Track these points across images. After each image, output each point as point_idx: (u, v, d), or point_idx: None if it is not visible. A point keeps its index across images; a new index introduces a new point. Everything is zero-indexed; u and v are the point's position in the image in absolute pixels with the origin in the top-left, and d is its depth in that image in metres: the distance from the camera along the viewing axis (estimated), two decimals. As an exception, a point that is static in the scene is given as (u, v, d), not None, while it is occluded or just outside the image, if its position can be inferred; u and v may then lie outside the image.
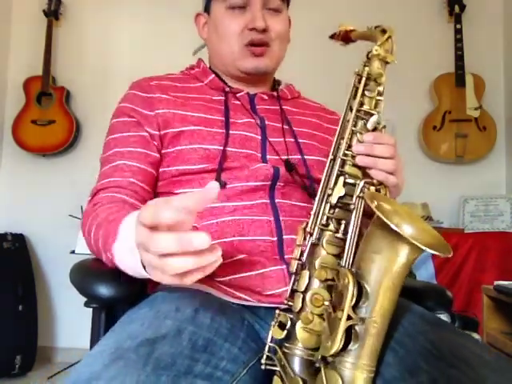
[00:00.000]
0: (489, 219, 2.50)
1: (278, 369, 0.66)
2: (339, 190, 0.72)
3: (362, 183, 0.72)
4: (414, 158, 2.69)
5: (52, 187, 2.79)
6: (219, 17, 0.96)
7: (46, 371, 2.50)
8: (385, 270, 0.61)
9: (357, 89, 0.77)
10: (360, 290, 0.61)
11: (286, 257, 0.81)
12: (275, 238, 0.83)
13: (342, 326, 0.59)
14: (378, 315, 0.60)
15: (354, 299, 0.60)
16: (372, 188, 0.73)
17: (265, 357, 0.67)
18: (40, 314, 2.64)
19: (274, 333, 0.68)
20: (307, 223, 0.73)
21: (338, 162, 0.74)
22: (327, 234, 0.71)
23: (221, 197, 0.84)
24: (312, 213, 0.73)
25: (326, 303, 0.65)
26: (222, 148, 0.87)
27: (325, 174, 0.75)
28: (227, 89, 0.97)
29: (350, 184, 0.73)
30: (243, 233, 0.82)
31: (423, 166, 2.69)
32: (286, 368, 0.65)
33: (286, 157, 0.91)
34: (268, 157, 0.90)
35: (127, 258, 0.66)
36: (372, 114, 0.76)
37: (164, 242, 0.51)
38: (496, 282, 1.88)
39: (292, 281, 0.71)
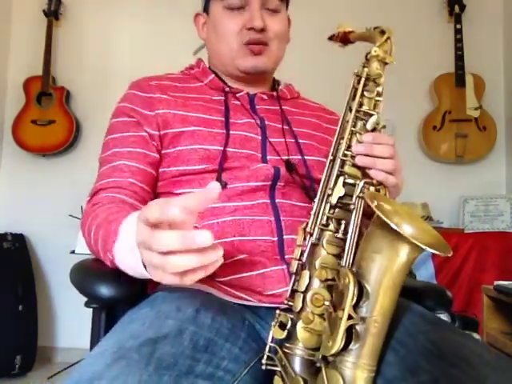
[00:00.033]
0: (489, 219, 2.50)
1: (278, 369, 0.66)
2: (339, 190, 0.72)
3: (361, 183, 0.72)
4: (414, 158, 2.69)
5: (52, 187, 2.79)
6: (218, 17, 0.96)
7: (45, 371, 2.50)
8: (385, 269, 0.61)
9: (356, 89, 0.78)
10: (360, 289, 0.61)
11: (286, 257, 0.81)
12: (276, 238, 0.83)
13: (343, 325, 0.59)
14: (378, 314, 0.61)
15: (355, 299, 0.60)
16: (372, 188, 0.73)
17: (265, 357, 0.67)
18: (40, 314, 2.64)
19: (275, 333, 0.68)
20: (307, 223, 0.73)
21: (338, 162, 0.74)
22: (327, 234, 0.71)
23: (221, 197, 0.84)
24: (312, 213, 0.73)
25: (327, 303, 0.65)
26: (222, 148, 0.87)
27: (324, 174, 0.75)
28: (227, 89, 0.97)
29: (350, 184, 0.73)
30: (244, 233, 0.82)
31: (423, 166, 2.69)
32: (287, 368, 0.65)
33: (286, 157, 0.91)
34: (268, 157, 0.90)
35: (128, 257, 0.66)
36: (371, 115, 0.76)
37: (166, 239, 0.50)
38: (496, 282, 1.88)
39: (292, 281, 0.72)
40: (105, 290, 0.76)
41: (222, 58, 0.98)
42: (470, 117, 2.57)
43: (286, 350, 0.67)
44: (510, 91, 2.68)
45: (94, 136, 2.63)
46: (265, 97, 0.99)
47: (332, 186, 0.73)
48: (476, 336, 1.83)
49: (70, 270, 0.85)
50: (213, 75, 0.99)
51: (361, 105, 0.77)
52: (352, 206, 0.71)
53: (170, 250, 0.51)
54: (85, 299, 0.81)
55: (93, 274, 0.81)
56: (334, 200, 0.72)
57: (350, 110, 0.77)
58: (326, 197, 0.73)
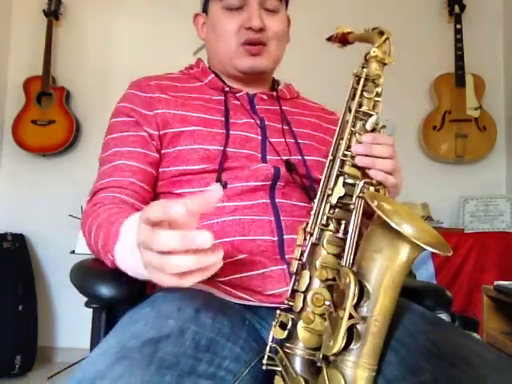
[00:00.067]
0: (489, 219, 2.50)
1: (279, 369, 0.66)
2: (339, 190, 0.72)
3: (361, 183, 0.72)
4: (414, 158, 2.69)
5: (52, 187, 2.79)
6: (216, 17, 0.96)
7: (45, 371, 2.50)
8: (385, 268, 0.61)
9: (355, 90, 0.78)
10: (361, 289, 0.61)
11: (286, 256, 0.81)
12: (276, 238, 0.83)
13: (344, 325, 0.59)
14: (379, 314, 0.61)
15: (356, 298, 0.60)
16: (371, 188, 0.73)
17: (266, 357, 0.67)
18: (40, 314, 2.64)
19: (276, 333, 0.68)
20: (307, 223, 0.73)
21: (338, 162, 0.74)
22: (327, 233, 0.72)
23: (221, 197, 0.84)
24: (312, 213, 0.73)
25: (327, 303, 0.65)
26: (222, 148, 0.87)
27: (324, 174, 0.75)
28: (227, 89, 0.97)
29: (350, 184, 0.73)
30: (244, 233, 0.82)
31: (423, 166, 2.69)
32: (288, 368, 0.65)
33: (286, 157, 0.91)
34: (268, 157, 0.90)
35: (128, 258, 0.66)
36: (371, 115, 0.76)
37: (166, 239, 0.50)
38: (496, 282, 1.88)
39: (292, 281, 0.72)
40: (105, 290, 0.76)
41: (221, 58, 0.98)
42: (470, 117, 2.57)
43: (286, 350, 0.67)
44: (510, 91, 2.68)
45: (94, 136, 2.63)
46: (264, 97, 0.99)
47: (332, 186, 0.73)
48: (476, 336, 1.83)
49: (70, 270, 0.85)
50: (212, 75, 0.99)
51: (360, 105, 0.77)
52: (352, 206, 0.71)
53: (170, 250, 0.51)
54: (85, 299, 0.81)
55: (93, 274, 0.81)
56: (333, 200, 0.72)
57: (350, 111, 0.77)
58: (325, 197, 0.73)
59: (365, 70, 0.78)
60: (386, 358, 0.64)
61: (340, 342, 0.59)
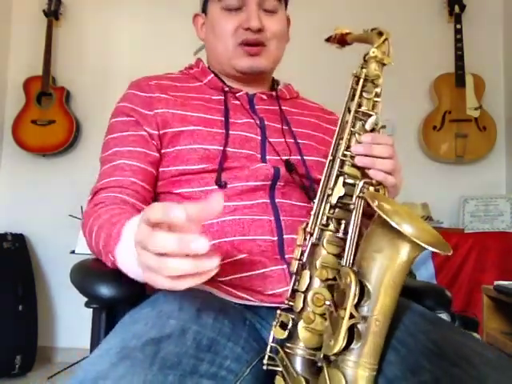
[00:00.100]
0: (489, 219, 2.50)
1: (280, 369, 0.66)
2: (339, 190, 0.72)
3: (361, 183, 0.72)
4: (414, 158, 2.69)
5: (52, 187, 2.79)
6: (215, 17, 0.96)
7: (46, 371, 2.50)
8: (386, 268, 0.61)
9: (355, 90, 0.78)
10: (362, 288, 0.61)
11: (286, 256, 0.81)
12: (276, 238, 0.83)
13: (345, 324, 0.59)
14: (379, 313, 0.61)
15: (357, 298, 0.60)
16: (371, 188, 0.73)
17: (267, 357, 0.67)
18: (40, 314, 2.64)
19: (276, 333, 0.68)
20: (307, 223, 0.73)
21: (337, 162, 0.74)
22: (327, 233, 0.72)
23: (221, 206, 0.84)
24: (312, 213, 0.73)
25: (328, 302, 0.65)
26: (221, 148, 0.87)
27: (324, 174, 0.75)
28: (226, 88, 0.97)
29: (350, 184, 0.73)
30: (244, 232, 0.82)
31: (423, 166, 2.69)
32: (289, 368, 0.65)
33: (286, 157, 0.91)
34: (267, 157, 0.90)
35: (129, 259, 0.66)
36: (370, 115, 0.76)
37: (163, 241, 0.50)
38: (496, 282, 1.88)
39: (293, 281, 0.72)
40: (105, 290, 0.76)
41: (219, 58, 0.98)
42: (470, 117, 2.57)
43: (287, 350, 0.67)
44: (510, 91, 2.68)
45: (94, 136, 2.63)
46: (264, 97, 0.99)
47: (332, 185, 0.73)
48: (476, 336, 1.83)
49: (70, 270, 0.85)
50: (212, 75, 0.99)
51: (359, 105, 0.77)
52: (352, 206, 0.71)
53: (166, 252, 0.51)
54: (85, 299, 0.81)
55: (93, 274, 0.81)
56: (333, 200, 0.72)
57: (349, 111, 0.78)
58: (325, 197, 0.73)
59: (364, 70, 0.78)
60: (387, 358, 0.65)
61: (341, 341, 0.59)
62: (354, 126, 0.76)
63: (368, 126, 0.76)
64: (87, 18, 2.90)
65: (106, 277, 0.77)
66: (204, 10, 1.01)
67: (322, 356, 0.63)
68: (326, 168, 0.76)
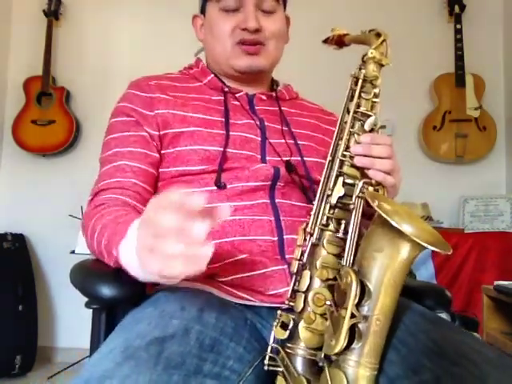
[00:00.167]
0: (489, 219, 2.50)
1: (281, 369, 0.66)
2: (338, 191, 0.72)
3: (361, 183, 0.72)
4: (414, 158, 2.69)
5: (52, 187, 2.79)
6: (213, 18, 0.96)
7: (45, 371, 2.50)
8: (386, 267, 0.61)
9: (353, 91, 0.79)
10: (362, 288, 0.61)
11: (287, 256, 0.81)
12: (276, 238, 0.83)
13: (346, 324, 0.59)
14: (380, 313, 0.61)
15: (357, 297, 0.60)
16: (370, 188, 0.73)
17: (267, 358, 0.67)
18: (40, 314, 2.64)
19: (277, 333, 0.69)
20: (307, 223, 0.73)
21: (337, 162, 0.75)
22: (327, 233, 0.72)
23: (221, 197, 0.85)
24: (312, 213, 0.73)
25: (328, 302, 0.65)
26: (222, 149, 0.87)
27: (324, 174, 0.75)
28: (226, 89, 0.97)
29: (349, 184, 0.74)
30: (244, 233, 0.82)
31: (423, 166, 2.69)
32: (290, 368, 0.65)
33: (286, 158, 0.91)
34: (267, 158, 0.90)
35: (133, 256, 0.65)
36: (369, 116, 0.77)
37: (170, 217, 0.52)
38: (496, 282, 1.88)
39: (293, 281, 0.72)
40: (106, 291, 0.76)
41: (218, 59, 0.98)
42: (470, 117, 2.57)
43: (287, 350, 0.67)
44: (510, 91, 2.68)
45: (94, 136, 2.63)
46: (264, 97, 0.99)
47: (331, 186, 0.73)
48: (476, 336, 1.83)
49: (70, 270, 0.85)
50: (212, 75, 0.99)
51: (358, 106, 0.78)
52: (352, 206, 0.71)
53: (168, 228, 0.52)
54: (85, 299, 0.81)
55: (94, 274, 0.81)
56: (333, 200, 0.72)
57: (348, 112, 0.78)
58: (325, 197, 0.73)
59: (362, 71, 0.78)
60: (388, 357, 0.65)
61: (342, 341, 0.59)
62: (353, 127, 0.77)
63: (367, 127, 0.76)
64: (87, 17, 2.90)
65: (106, 277, 0.77)
66: (203, 11, 1.01)
67: (323, 356, 0.63)
68: (325, 168, 0.76)
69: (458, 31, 2.65)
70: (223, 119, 0.92)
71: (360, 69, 0.79)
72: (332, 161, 0.76)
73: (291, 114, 1.01)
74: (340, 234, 0.71)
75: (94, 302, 0.81)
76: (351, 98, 0.78)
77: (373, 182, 0.74)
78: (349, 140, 0.76)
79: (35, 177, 2.81)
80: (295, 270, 0.72)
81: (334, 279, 0.68)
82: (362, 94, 0.78)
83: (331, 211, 0.72)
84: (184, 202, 0.52)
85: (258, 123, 0.94)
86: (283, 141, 0.94)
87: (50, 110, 2.74)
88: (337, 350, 0.59)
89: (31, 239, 2.76)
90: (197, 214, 0.53)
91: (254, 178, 0.87)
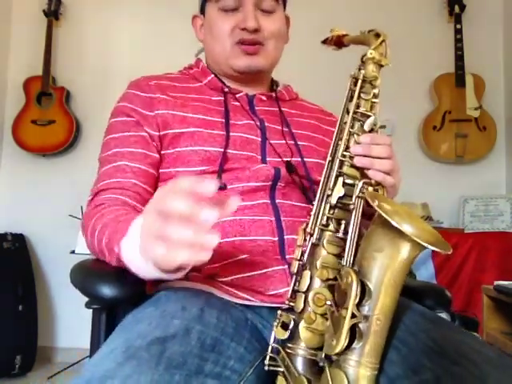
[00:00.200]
0: (489, 219, 2.50)
1: (281, 369, 0.66)
2: (338, 191, 0.73)
3: (360, 184, 0.72)
4: (414, 158, 2.69)
5: (52, 187, 2.79)
6: (213, 18, 0.96)
7: (45, 371, 2.50)
8: (386, 267, 0.62)
9: (353, 91, 0.79)
10: (363, 288, 0.61)
11: (287, 257, 0.81)
12: (276, 238, 0.83)
13: (347, 324, 0.59)
14: (380, 313, 0.61)
15: (358, 297, 0.60)
16: (370, 188, 0.73)
17: (268, 358, 0.67)
18: (40, 314, 2.64)
19: (277, 333, 0.69)
20: (307, 224, 0.73)
21: (337, 162, 0.75)
22: (327, 234, 0.72)
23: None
24: (312, 213, 0.74)
25: (329, 302, 0.66)
26: (222, 150, 0.87)
27: (324, 174, 0.76)
28: (226, 89, 0.97)
29: (349, 184, 0.74)
30: (245, 233, 0.82)
31: (423, 166, 2.69)
32: (290, 368, 0.65)
33: (286, 159, 0.91)
34: (268, 159, 0.91)
35: (135, 252, 0.65)
36: (368, 116, 0.77)
37: (178, 202, 0.52)
38: (496, 282, 1.88)
39: (293, 281, 0.72)
40: (107, 291, 0.75)
41: (217, 59, 0.98)
42: (470, 117, 2.57)
43: (288, 351, 0.67)
44: (510, 91, 2.68)
45: (94, 136, 2.63)
46: (263, 98, 0.99)
47: (331, 186, 0.73)
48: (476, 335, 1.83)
49: (70, 270, 0.85)
50: (212, 75, 0.99)
51: (358, 106, 0.78)
52: (352, 206, 0.71)
53: (175, 213, 0.52)
54: (85, 299, 0.81)
55: (94, 274, 0.81)
56: (333, 200, 0.72)
57: (348, 112, 0.78)
58: (325, 197, 0.74)
59: (362, 71, 0.79)
60: (388, 357, 0.65)
61: (343, 341, 0.59)
62: (352, 127, 0.77)
63: (366, 127, 0.76)
64: (87, 17, 2.90)
65: (107, 277, 0.77)
66: (202, 11, 1.01)
67: (323, 356, 0.63)
68: (325, 169, 0.76)
69: (458, 31, 2.65)
70: (223, 120, 0.92)
71: (359, 69, 0.79)
72: (332, 161, 0.76)
73: (291, 114, 1.01)
74: (340, 234, 0.71)
75: (94, 301, 0.81)
76: (351, 99, 0.79)
77: (372, 182, 0.75)
78: (348, 140, 0.76)
79: (35, 177, 2.81)
80: (295, 270, 0.72)
81: (335, 279, 0.68)
82: (362, 95, 0.78)
83: (331, 211, 0.72)
84: (194, 187, 0.52)
85: (258, 124, 0.94)
86: (283, 141, 0.94)
87: (49, 109, 2.74)
88: (338, 349, 0.59)
89: (31, 239, 2.76)
90: (206, 202, 0.52)
91: (254, 178, 0.87)
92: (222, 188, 0.85)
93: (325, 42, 0.94)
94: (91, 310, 0.83)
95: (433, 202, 2.56)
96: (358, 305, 0.61)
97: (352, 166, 0.75)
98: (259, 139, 0.92)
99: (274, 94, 1.01)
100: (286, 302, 0.70)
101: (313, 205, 0.75)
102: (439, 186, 2.66)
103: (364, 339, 0.61)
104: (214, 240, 0.53)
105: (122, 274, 0.72)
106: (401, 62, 2.43)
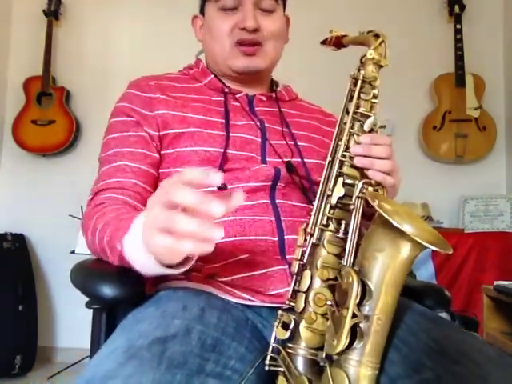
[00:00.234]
0: (489, 219, 2.50)
1: (282, 369, 0.66)
2: (339, 191, 0.73)
3: (361, 184, 0.73)
4: (414, 158, 2.69)
5: (52, 187, 2.79)
6: (212, 17, 0.96)
7: (45, 371, 2.50)
8: (387, 267, 0.62)
9: (352, 92, 0.79)
10: (363, 287, 0.62)
11: (287, 257, 0.81)
12: (276, 238, 0.83)
13: (348, 324, 0.59)
14: (381, 312, 0.61)
15: (359, 297, 0.60)
16: (370, 188, 0.74)
17: (268, 358, 0.67)
18: (40, 314, 2.64)
19: (278, 333, 0.69)
20: (307, 224, 0.73)
21: (337, 163, 0.75)
22: (328, 234, 0.72)
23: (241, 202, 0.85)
24: (312, 213, 0.74)
25: (329, 302, 0.66)
26: (222, 150, 0.87)
27: (324, 175, 0.76)
28: (226, 89, 0.97)
29: (349, 185, 0.74)
30: (245, 233, 0.82)
31: (423, 166, 2.69)
32: (291, 368, 0.65)
33: (286, 159, 0.91)
34: (268, 159, 0.91)
35: (137, 249, 0.65)
36: (368, 116, 0.77)
37: (185, 193, 0.52)
38: (496, 282, 1.88)
39: (293, 281, 0.72)
40: (108, 290, 0.75)
41: (216, 59, 0.98)
42: (470, 117, 2.57)
43: (289, 350, 0.67)
44: (510, 91, 2.68)
45: (94, 136, 2.63)
46: (263, 98, 0.99)
47: (331, 186, 0.73)
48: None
49: (70, 270, 0.85)
50: (212, 76, 0.99)
51: (358, 107, 0.78)
52: (352, 206, 0.71)
53: (184, 203, 0.52)
54: (85, 299, 0.81)
55: (95, 274, 0.81)
56: (333, 200, 0.72)
57: (348, 112, 0.78)
58: (325, 197, 0.74)
59: (361, 72, 0.79)
60: (389, 357, 0.65)
61: (344, 340, 0.59)
62: (352, 127, 0.77)
63: (366, 127, 0.77)
64: (87, 17, 2.90)
65: (108, 277, 0.77)
66: (202, 11, 1.01)
67: (324, 355, 0.63)
68: (325, 169, 0.76)
69: (458, 31, 2.65)
70: (223, 120, 0.92)
71: (359, 70, 0.80)
72: (332, 161, 0.76)
73: (291, 115, 1.01)
74: (340, 234, 0.71)
75: (94, 301, 0.81)
76: (350, 99, 0.79)
77: (372, 182, 0.75)
78: (348, 140, 0.76)
79: (35, 177, 2.81)
80: (296, 270, 0.72)
81: (335, 279, 0.68)
82: (361, 95, 0.78)
83: (331, 211, 0.73)
84: (200, 180, 0.52)
85: (258, 124, 0.94)
86: (284, 142, 0.94)
87: (49, 110, 2.74)
88: (338, 349, 0.59)
89: (31, 239, 2.76)
90: (212, 196, 0.52)
91: (254, 178, 0.87)
92: (222, 188, 0.85)
93: (324, 42, 0.94)
94: (91, 310, 0.83)
95: (433, 202, 2.56)
96: (359, 304, 0.61)
97: (352, 166, 0.75)
98: (259, 140, 0.92)
99: (273, 95, 1.01)
100: (287, 302, 0.71)
101: (313, 205, 0.75)
102: (439, 186, 2.66)
103: (365, 339, 0.61)
104: (218, 233, 0.53)
105: (122, 273, 0.72)
106: (401, 62, 2.44)
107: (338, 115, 0.80)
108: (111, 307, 0.83)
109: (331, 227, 0.72)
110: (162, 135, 0.90)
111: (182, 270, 0.63)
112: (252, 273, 0.79)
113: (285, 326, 0.69)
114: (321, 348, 0.65)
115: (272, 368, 0.66)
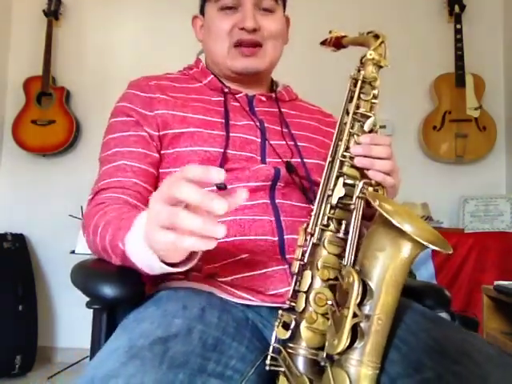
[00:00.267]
0: (489, 219, 2.50)
1: (283, 369, 0.66)
2: (339, 191, 0.73)
3: (361, 184, 0.73)
4: (414, 158, 2.69)
5: (52, 187, 2.79)
6: (212, 17, 0.96)
7: (45, 371, 2.50)
8: (388, 266, 0.62)
9: (352, 92, 0.79)
10: (364, 287, 0.62)
11: (287, 257, 0.81)
12: (276, 238, 0.83)
13: (348, 323, 0.59)
14: (381, 312, 0.61)
15: (360, 297, 0.60)
16: (370, 188, 0.74)
17: (269, 357, 0.67)
18: (40, 314, 2.64)
19: (279, 333, 0.69)
20: (308, 224, 0.73)
21: (337, 163, 0.75)
22: (328, 234, 0.72)
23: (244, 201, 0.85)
24: (312, 213, 0.74)
25: (330, 302, 0.66)
26: (222, 150, 0.87)
27: (324, 175, 0.76)
28: (226, 90, 0.97)
29: (349, 185, 0.74)
30: (245, 232, 0.82)
31: (423, 166, 2.69)
32: (291, 367, 0.66)
33: (286, 159, 0.91)
34: (267, 159, 0.91)
35: (140, 247, 0.64)
36: (368, 117, 0.77)
37: (188, 190, 0.52)
38: (496, 282, 1.88)
39: (294, 281, 0.72)
40: (108, 290, 0.75)
41: (216, 59, 0.98)
42: (470, 117, 2.57)
43: (289, 350, 0.67)
44: (510, 91, 2.68)
45: (94, 136, 2.62)
46: (263, 98, 0.99)
47: (332, 186, 0.74)
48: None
49: (70, 270, 0.85)
50: (212, 76, 0.99)
51: (358, 107, 0.78)
52: (352, 206, 0.71)
53: (186, 200, 0.52)
54: (85, 299, 0.81)
55: (95, 274, 0.81)
56: (334, 200, 0.73)
57: (348, 113, 0.78)
58: (326, 197, 0.74)
59: (361, 72, 0.79)
60: (389, 356, 0.65)
61: (344, 340, 0.59)
62: (352, 128, 0.77)
63: (366, 128, 0.77)
64: (87, 18, 2.90)
65: (108, 277, 0.77)
66: (202, 11, 1.01)
67: (325, 355, 0.63)
68: (325, 169, 0.76)
69: (458, 31, 2.65)
70: (223, 120, 0.92)
71: (359, 70, 0.80)
72: (332, 161, 0.76)
73: (291, 115, 1.01)
74: (341, 234, 0.71)
75: (95, 301, 0.81)
76: (350, 100, 0.79)
77: (372, 182, 0.75)
78: (348, 141, 0.76)
79: (35, 177, 2.81)
80: (296, 270, 0.72)
81: (335, 279, 0.68)
82: (361, 96, 0.78)
83: (332, 211, 0.73)
84: (203, 176, 0.52)
85: (258, 124, 0.94)
86: (283, 142, 0.94)
87: (50, 110, 2.74)
88: (339, 349, 0.60)
89: (31, 239, 2.76)
90: (215, 193, 0.52)
91: (254, 178, 0.87)
92: (222, 188, 0.85)
93: (323, 43, 0.94)
94: (91, 310, 0.83)
95: (433, 202, 2.55)
96: (360, 304, 0.61)
97: (352, 166, 0.75)
98: (259, 140, 0.92)
99: (273, 95, 1.01)
100: (287, 302, 0.71)
101: (313, 205, 0.75)
102: (439, 186, 2.66)
103: (365, 338, 0.61)
104: (222, 230, 0.53)
105: (122, 273, 0.72)
106: (401, 62, 2.44)
107: (337, 116, 0.80)
108: (111, 307, 0.83)
109: (332, 227, 0.72)
110: (162, 135, 0.90)
111: (185, 268, 0.63)
112: (252, 273, 0.79)
113: (285, 326, 0.69)
114: (321, 348, 0.65)
115: (273, 368, 0.67)
